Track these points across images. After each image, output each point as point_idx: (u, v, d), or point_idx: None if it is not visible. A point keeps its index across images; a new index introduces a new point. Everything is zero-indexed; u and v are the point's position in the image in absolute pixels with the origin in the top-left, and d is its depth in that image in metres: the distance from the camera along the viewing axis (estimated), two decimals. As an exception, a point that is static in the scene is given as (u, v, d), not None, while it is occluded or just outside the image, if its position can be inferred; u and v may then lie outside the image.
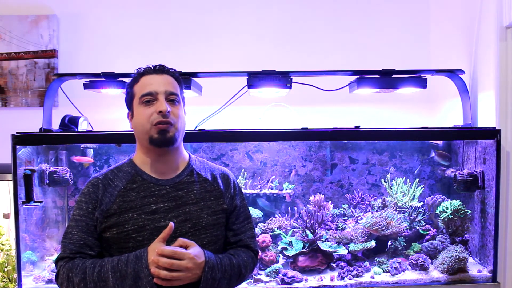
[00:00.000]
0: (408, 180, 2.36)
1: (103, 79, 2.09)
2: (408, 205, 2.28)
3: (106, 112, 2.48)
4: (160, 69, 1.31)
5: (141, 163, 1.32)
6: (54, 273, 2.00)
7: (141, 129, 1.27)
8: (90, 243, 1.25)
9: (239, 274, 1.30)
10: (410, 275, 2.04)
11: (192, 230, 1.27)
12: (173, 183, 1.31)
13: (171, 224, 1.19)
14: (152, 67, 1.31)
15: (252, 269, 1.38)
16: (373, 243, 2.13)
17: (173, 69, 1.35)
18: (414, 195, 2.30)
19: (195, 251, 1.19)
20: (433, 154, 2.41)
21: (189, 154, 1.40)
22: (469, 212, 2.18)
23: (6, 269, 2.14)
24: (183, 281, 1.16)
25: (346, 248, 2.14)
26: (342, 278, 2.02)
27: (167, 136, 1.25)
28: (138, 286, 1.14)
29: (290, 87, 2.04)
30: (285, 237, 2.22)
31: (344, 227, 2.29)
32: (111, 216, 1.25)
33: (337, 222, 2.33)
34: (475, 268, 2.06)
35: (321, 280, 2.01)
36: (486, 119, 2.11)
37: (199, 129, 1.94)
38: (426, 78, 2.07)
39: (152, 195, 1.28)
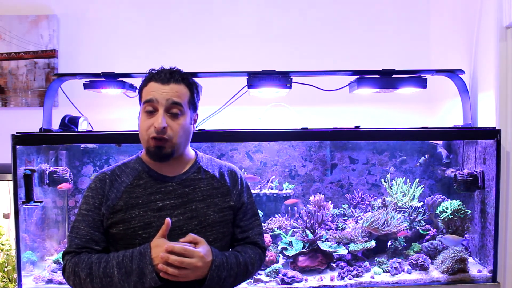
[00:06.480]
0: (408, 180, 2.36)
1: (103, 79, 2.09)
2: (408, 205, 2.28)
3: (106, 112, 2.48)
4: (167, 78, 1.25)
5: (148, 161, 1.33)
6: (53, 273, 2.02)
7: (141, 137, 1.28)
8: (96, 238, 1.25)
9: (245, 272, 1.30)
10: (410, 275, 2.04)
11: (199, 227, 1.27)
12: (180, 180, 1.31)
13: (168, 220, 1.19)
14: (163, 71, 1.26)
15: (260, 265, 1.38)
16: (373, 243, 2.13)
17: (186, 74, 1.29)
18: (414, 195, 2.30)
19: (204, 249, 1.18)
20: (439, 149, 2.41)
21: (196, 152, 1.40)
22: (469, 212, 2.18)
23: (6, 269, 2.14)
24: (189, 278, 1.16)
25: (346, 248, 2.14)
26: (342, 278, 2.02)
27: (162, 152, 1.24)
28: (143, 282, 1.15)
29: (290, 87, 2.04)
30: (285, 237, 2.22)
31: (344, 227, 2.29)
32: (118, 212, 1.25)
33: (337, 222, 2.33)
34: (475, 268, 2.06)
35: (321, 280, 2.01)
36: (486, 119, 2.11)
37: (199, 129, 1.94)
38: (426, 78, 2.07)
39: (159, 192, 1.28)
